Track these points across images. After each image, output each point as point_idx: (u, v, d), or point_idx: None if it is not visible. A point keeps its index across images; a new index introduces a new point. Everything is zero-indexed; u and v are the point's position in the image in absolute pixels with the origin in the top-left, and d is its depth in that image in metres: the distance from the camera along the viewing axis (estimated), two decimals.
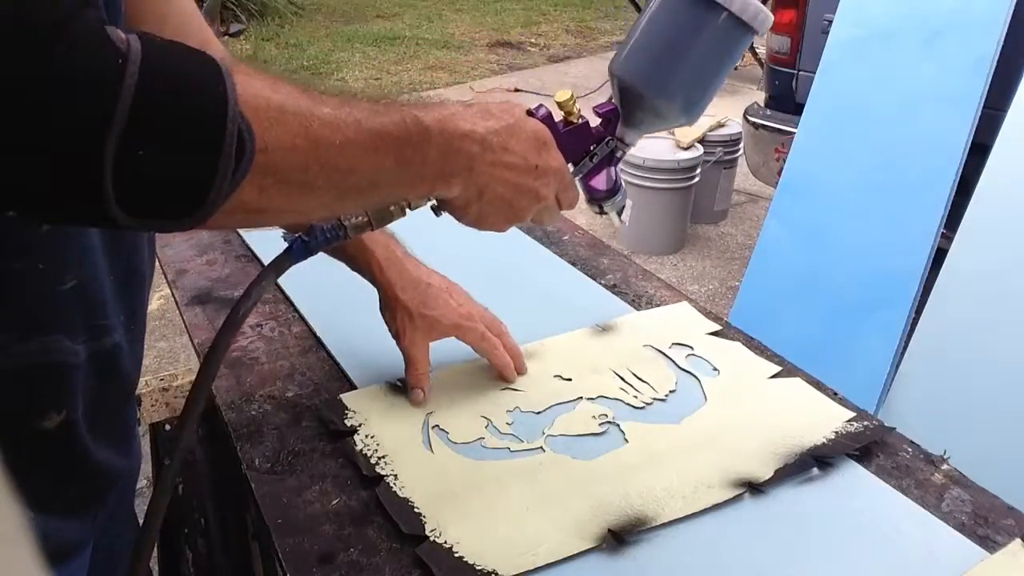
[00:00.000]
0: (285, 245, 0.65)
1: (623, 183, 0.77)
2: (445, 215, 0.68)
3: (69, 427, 0.62)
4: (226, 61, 0.48)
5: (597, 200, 0.77)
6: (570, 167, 0.72)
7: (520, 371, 0.92)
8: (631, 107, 0.71)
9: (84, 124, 0.42)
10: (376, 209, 0.65)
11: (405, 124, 0.57)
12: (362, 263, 0.88)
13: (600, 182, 0.75)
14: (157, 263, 0.84)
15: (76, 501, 0.67)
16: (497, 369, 0.91)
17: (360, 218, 0.66)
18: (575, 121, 0.71)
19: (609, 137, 0.73)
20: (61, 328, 0.59)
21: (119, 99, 0.42)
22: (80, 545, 0.68)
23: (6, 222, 0.54)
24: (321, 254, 0.73)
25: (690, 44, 0.67)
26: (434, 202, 0.67)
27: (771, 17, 0.67)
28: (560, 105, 0.71)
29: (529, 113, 0.68)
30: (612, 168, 0.75)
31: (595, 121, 0.73)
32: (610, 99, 0.74)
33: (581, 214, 3.87)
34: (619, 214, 0.79)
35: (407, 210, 0.67)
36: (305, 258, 0.65)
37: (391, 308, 0.88)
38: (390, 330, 0.89)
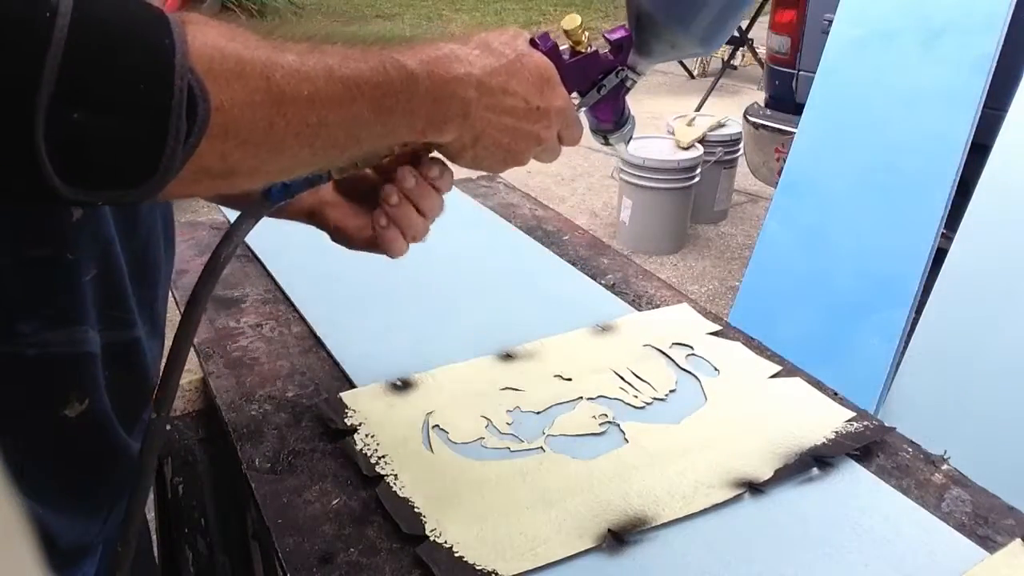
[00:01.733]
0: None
1: (631, 112, 0.73)
2: None
3: (94, 417, 0.62)
4: (178, 12, 0.44)
5: (603, 132, 0.73)
6: (576, 97, 0.67)
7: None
8: (647, 36, 0.67)
9: (9, 83, 0.38)
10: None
11: (384, 69, 0.52)
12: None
13: (608, 113, 0.71)
14: None
15: (102, 496, 0.66)
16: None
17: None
18: (583, 51, 0.67)
19: (620, 67, 0.69)
20: (84, 319, 0.59)
21: (47, 54, 0.38)
22: (94, 545, 0.68)
23: (29, 210, 0.53)
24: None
25: None
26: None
27: None
28: (568, 33, 0.66)
29: (533, 43, 0.63)
30: (621, 98, 0.71)
31: (605, 49, 0.69)
32: (623, 25, 0.69)
33: (581, 214, 3.89)
34: (626, 144, 0.75)
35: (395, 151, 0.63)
36: (284, 199, 0.60)
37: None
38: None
